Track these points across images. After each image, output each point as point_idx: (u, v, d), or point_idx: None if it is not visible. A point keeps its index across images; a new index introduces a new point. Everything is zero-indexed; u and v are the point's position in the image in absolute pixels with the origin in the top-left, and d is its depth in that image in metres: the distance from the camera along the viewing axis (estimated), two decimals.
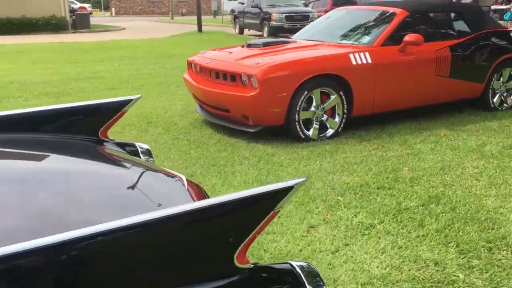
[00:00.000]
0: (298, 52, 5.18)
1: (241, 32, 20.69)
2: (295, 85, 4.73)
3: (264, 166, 4.18)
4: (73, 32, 22.67)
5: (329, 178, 3.89)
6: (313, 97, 4.89)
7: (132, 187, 1.92)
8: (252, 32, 20.68)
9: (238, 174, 3.99)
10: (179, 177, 2.15)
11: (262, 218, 1.36)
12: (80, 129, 2.59)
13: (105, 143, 2.61)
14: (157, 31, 23.78)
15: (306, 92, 4.80)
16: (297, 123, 4.84)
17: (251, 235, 1.35)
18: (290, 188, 1.39)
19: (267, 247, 2.79)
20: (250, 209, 1.36)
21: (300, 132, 4.88)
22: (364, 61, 5.05)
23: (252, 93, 4.66)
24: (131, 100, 2.72)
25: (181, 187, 2.01)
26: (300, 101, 4.79)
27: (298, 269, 1.44)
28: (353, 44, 5.41)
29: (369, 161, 4.30)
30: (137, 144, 2.77)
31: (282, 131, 4.94)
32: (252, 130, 4.88)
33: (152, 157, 2.72)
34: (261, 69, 4.66)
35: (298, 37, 6.21)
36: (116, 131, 5.33)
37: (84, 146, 2.45)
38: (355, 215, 3.23)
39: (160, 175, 2.15)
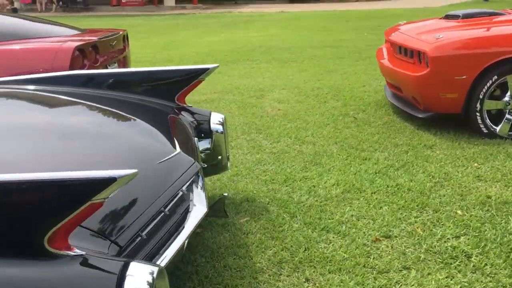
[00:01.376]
0: (498, 27, 4.16)
1: None
2: (480, 67, 3.85)
3: (407, 159, 3.62)
4: (356, 1, 23.16)
5: (471, 187, 3.12)
6: (508, 84, 3.91)
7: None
8: None
9: (367, 162, 3.59)
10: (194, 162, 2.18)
11: (77, 206, 1.27)
12: (159, 93, 2.78)
13: (176, 108, 2.74)
14: None
15: (496, 77, 3.87)
16: (478, 114, 3.97)
17: (64, 221, 1.28)
18: (111, 180, 1.26)
19: (311, 245, 2.50)
20: (60, 194, 1.29)
21: (482, 125, 3.99)
22: None
23: (422, 73, 4.02)
24: (208, 69, 2.79)
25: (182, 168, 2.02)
26: (486, 87, 3.89)
27: (130, 271, 1.31)
28: None
29: None
30: (212, 113, 2.81)
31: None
32: (420, 116, 4.24)
33: (222, 128, 2.74)
34: (435, 45, 3.96)
35: None
36: (298, 100, 5.41)
37: (148, 108, 2.64)
38: (456, 237, 2.55)
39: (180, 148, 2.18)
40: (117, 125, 2.30)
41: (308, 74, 6.92)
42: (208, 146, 2.76)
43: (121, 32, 4.96)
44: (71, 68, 3.98)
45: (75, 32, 4.83)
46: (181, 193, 2.02)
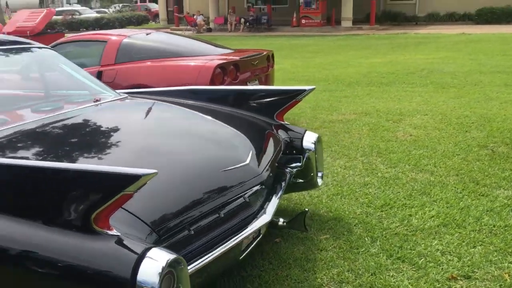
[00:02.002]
0: None
1: None
2: None
3: None
4: None
5: None
6: None
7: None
8: None
9: (482, 198, 3.32)
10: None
11: (112, 195, 1.59)
12: (260, 109, 3.07)
13: (272, 124, 2.98)
14: None
15: None
16: None
17: (104, 206, 1.60)
18: (137, 177, 1.55)
19: (379, 271, 2.47)
20: (98, 183, 1.62)
21: None
22: None
23: None
24: (305, 90, 2.98)
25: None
26: None
27: (150, 254, 1.58)
28: None
29: None
30: (307, 132, 2.98)
31: None
32: None
33: (314, 147, 2.89)
34: None
35: None
36: (436, 127, 5.18)
37: (245, 122, 2.94)
38: None
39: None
40: (207, 134, 2.63)
41: (462, 101, 6.50)
42: (299, 163, 2.93)
43: (265, 53, 5.39)
44: (211, 83, 4.51)
45: (225, 51, 5.41)
46: (243, 200, 2.24)
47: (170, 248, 1.78)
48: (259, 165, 2.41)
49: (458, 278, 2.42)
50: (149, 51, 5.00)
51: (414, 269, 2.51)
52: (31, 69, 3.47)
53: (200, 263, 1.90)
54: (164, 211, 1.92)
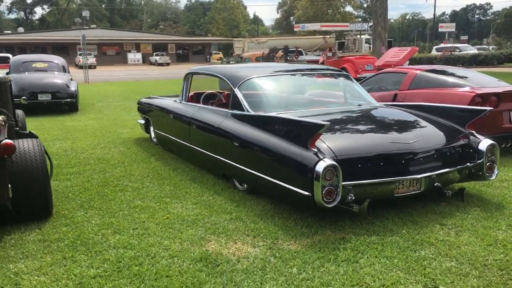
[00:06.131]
0: None
1: None
2: None
3: None
4: None
5: None
6: None
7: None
8: None
9: None
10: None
11: (311, 135, 3.78)
12: (454, 119, 4.64)
13: (459, 131, 4.49)
14: None
15: None
16: None
17: (311, 139, 3.80)
18: (322, 125, 3.72)
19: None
20: (301, 127, 3.85)
21: None
22: None
23: None
24: (484, 110, 4.37)
25: None
26: None
27: (325, 159, 3.73)
28: None
29: None
30: (484, 139, 4.35)
31: None
32: None
33: (485, 150, 4.26)
34: None
35: None
36: None
37: (441, 126, 4.59)
38: None
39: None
40: (408, 127, 4.47)
41: None
42: (473, 160, 4.28)
43: None
44: None
45: (506, 85, 6.49)
46: (400, 162, 3.95)
47: (342, 165, 3.75)
48: (421, 146, 4.04)
49: None
50: (433, 82, 6.68)
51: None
52: (338, 86, 5.90)
53: (359, 181, 3.81)
54: (347, 150, 3.92)
